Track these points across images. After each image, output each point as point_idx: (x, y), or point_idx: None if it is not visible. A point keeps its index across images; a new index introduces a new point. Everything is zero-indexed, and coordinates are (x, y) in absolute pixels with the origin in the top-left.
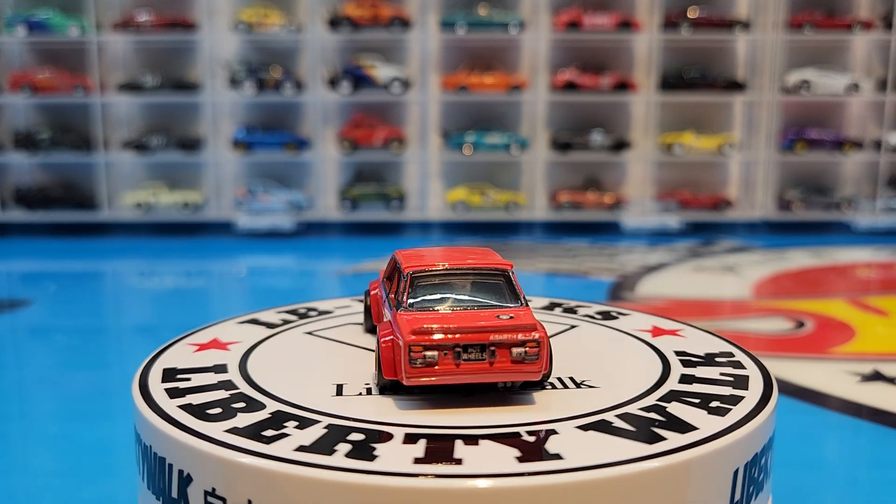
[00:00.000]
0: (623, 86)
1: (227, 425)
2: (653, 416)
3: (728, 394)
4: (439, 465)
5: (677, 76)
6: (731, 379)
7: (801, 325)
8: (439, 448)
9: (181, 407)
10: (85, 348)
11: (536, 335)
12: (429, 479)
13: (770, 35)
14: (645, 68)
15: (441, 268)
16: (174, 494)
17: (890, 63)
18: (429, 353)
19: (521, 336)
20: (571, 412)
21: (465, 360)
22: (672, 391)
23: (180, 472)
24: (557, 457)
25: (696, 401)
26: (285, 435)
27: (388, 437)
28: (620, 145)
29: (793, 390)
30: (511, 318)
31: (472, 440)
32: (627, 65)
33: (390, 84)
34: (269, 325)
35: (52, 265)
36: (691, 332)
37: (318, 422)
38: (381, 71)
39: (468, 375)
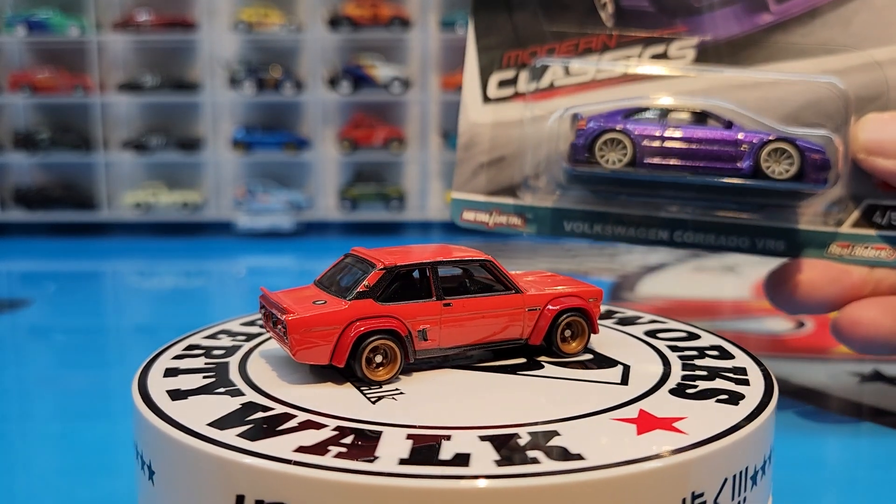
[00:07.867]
0: None
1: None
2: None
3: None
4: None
5: None
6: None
7: (801, 325)
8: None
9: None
10: (85, 348)
11: (284, 318)
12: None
13: None
14: None
15: (350, 257)
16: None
17: None
18: (262, 312)
19: (279, 315)
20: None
21: (272, 324)
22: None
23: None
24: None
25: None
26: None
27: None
28: None
29: (793, 390)
30: (323, 303)
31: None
32: None
33: (390, 84)
34: None
35: (51, 265)
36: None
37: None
38: (381, 71)
39: (276, 338)
